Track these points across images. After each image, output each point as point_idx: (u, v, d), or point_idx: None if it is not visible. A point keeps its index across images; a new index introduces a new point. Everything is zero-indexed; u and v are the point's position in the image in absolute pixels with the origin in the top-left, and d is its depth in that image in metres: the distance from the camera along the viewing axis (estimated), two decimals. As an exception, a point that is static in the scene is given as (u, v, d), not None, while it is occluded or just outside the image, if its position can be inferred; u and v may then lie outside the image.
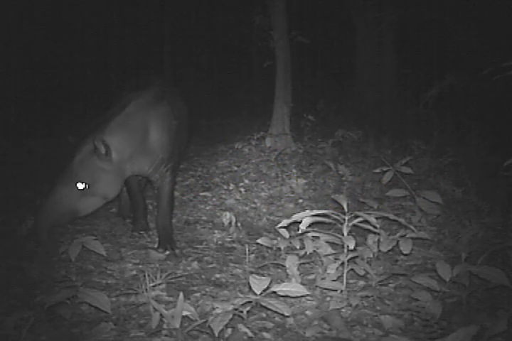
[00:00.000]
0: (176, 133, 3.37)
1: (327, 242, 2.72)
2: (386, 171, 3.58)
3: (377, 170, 3.69)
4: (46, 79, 9.47)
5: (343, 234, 2.52)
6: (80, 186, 2.87)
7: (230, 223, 3.65)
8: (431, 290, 2.38)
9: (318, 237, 2.74)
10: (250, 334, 2.25)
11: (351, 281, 2.74)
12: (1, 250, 3.28)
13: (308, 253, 2.70)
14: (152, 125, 3.16)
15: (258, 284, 2.21)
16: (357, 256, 2.62)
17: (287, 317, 2.39)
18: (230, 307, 2.19)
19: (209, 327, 2.05)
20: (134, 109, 3.08)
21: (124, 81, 3.84)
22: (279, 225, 2.69)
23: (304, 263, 2.92)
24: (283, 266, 2.83)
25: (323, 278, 2.64)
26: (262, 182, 4.95)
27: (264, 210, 4.22)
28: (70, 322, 2.38)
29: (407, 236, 2.61)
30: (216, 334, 2.03)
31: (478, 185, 4.11)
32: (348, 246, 2.46)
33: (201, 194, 4.75)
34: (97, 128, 2.96)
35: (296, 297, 2.51)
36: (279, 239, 2.94)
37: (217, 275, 2.98)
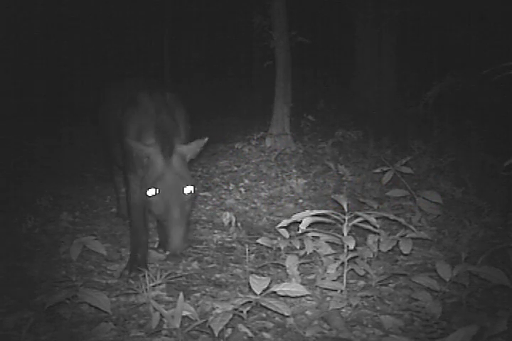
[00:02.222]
0: None
1: (327, 242, 2.72)
2: (386, 171, 3.58)
3: (377, 170, 3.69)
4: (46, 79, 9.47)
5: (343, 234, 2.52)
6: (188, 190, 2.69)
7: (230, 223, 3.65)
8: (431, 290, 2.38)
9: (318, 237, 2.74)
10: (250, 334, 2.25)
11: (351, 281, 2.74)
12: (1, 250, 3.29)
13: (308, 253, 2.70)
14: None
15: (258, 284, 2.21)
16: (357, 256, 2.62)
17: (287, 317, 2.39)
18: (230, 307, 2.19)
19: (209, 327, 2.05)
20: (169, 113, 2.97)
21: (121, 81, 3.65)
22: (279, 225, 2.69)
23: (304, 263, 2.92)
24: (283, 266, 2.83)
25: (323, 278, 2.64)
26: (262, 182, 4.95)
27: (264, 210, 4.22)
28: (70, 322, 2.38)
29: (407, 236, 2.61)
30: (216, 334, 2.03)
31: (478, 185, 4.11)
32: (348, 246, 2.46)
33: (201, 194, 4.75)
34: (170, 134, 2.76)
35: (296, 297, 2.51)
36: (279, 239, 2.95)
37: (217, 275, 2.98)
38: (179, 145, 2.74)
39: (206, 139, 2.78)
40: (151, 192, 2.61)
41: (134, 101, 2.96)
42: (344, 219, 2.51)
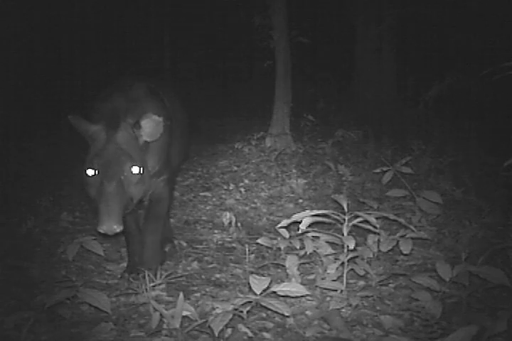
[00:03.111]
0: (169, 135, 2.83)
1: (327, 242, 2.72)
2: (386, 171, 3.58)
3: (377, 170, 3.69)
4: (46, 79, 9.47)
5: (343, 234, 2.52)
6: (135, 170, 2.41)
7: (230, 223, 3.65)
8: (431, 290, 2.38)
9: (318, 237, 2.74)
10: (250, 334, 2.25)
11: (351, 281, 2.74)
12: (1, 250, 3.29)
13: (308, 253, 2.70)
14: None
15: (258, 284, 2.21)
16: (357, 256, 2.62)
17: (287, 317, 2.39)
18: (230, 307, 2.19)
19: (209, 327, 2.05)
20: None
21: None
22: (279, 225, 2.69)
23: (304, 263, 2.92)
24: (283, 266, 2.83)
25: (323, 278, 2.64)
26: (262, 182, 4.95)
27: (264, 210, 4.22)
28: (70, 322, 2.38)
29: (407, 236, 2.61)
30: (216, 334, 2.03)
31: (478, 185, 4.11)
32: (348, 246, 2.46)
33: (201, 194, 4.75)
34: (122, 113, 2.48)
35: (296, 297, 2.51)
36: (279, 239, 2.94)
37: (217, 275, 2.98)
38: (129, 122, 2.45)
39: (158, 117, 2.44)
40: (89, 172, 2.34)
41: (103, 95, 2.76)
42: (344, 219, 2.51)
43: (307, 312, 2.49)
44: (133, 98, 2.64)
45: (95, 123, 2.44)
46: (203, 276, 2.98)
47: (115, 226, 2.26)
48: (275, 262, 2.96)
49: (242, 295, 2.54)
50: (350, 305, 2.43)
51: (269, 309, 2.19)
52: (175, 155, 3.01)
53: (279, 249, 3.00)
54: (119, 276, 2.94)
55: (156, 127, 2.48)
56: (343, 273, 2.52)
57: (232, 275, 3.00)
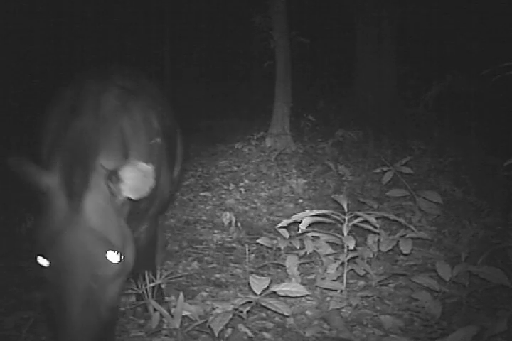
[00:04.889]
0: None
1: (327, 242, 2.72)
2: (386, 171, 3.59)
3: (377, 170, 3.69)
4: (45, 78, 9.47)
5: (343, 234, 2.52)
6: (114, 258, 1.58)
7: (230, 223, 3.65)
8: (431, 290, 2.38)
9: (318, 237, 2.74)
10: (250, 334, 2.25)
11: (351, 281, 2.74)
12: (1, 250, 3.28)
13: (308, 253, 2.70)
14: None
15: (258, 284, 2.21)
16: (357, 256, 2.62)
17: (287, 317, 2.39)
18: (230, 307, 2.19)
19: (209, 327, 2.05)
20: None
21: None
22: (279, 225, 2.69)
23: (304, 263, 2.92)
24: (283, 266, 2.83)
25: (323, 278, 2.64)
26: (262, 182, 4.95)
27: (264, 210, 4.22)
28: (70, 322, 2.38)
29: (407, 236, 2.61)
30: (216, 334, 2.03)
31: (478, 185, 4.11)
32: (348, 246, 2.46)
33: (201, 194, 4.75)
34: (90, 153, 1.65)
35: (296, 297, 2.51)
36: (279, 239, 2.94)
37: (217, 275, 2.99)
38: (102, 170, 1.62)
39: (145, 165, 1.61)
40: (42, 262, 1.55)
41: (56, 113, 1.97)
42: (344, 219, 2.51)
43: (307, 312, 2.49)
44: (105, 120, 1.79)
45: (50, 169, 1.62)
46: (203, 276, 2.98)
47: None
48: (275, 262, 2.96)
49: (242, 295, 2.54)
50: (350, 305, 2.43)
51: (269, 309, 2.19)
52: (162, 188, 2.20)
53: (279, 249, 3.00)
54: None
55: (144, 179, 1.62)
56: (343, 273, 2.53)
57: (232, 275, 3.00)
